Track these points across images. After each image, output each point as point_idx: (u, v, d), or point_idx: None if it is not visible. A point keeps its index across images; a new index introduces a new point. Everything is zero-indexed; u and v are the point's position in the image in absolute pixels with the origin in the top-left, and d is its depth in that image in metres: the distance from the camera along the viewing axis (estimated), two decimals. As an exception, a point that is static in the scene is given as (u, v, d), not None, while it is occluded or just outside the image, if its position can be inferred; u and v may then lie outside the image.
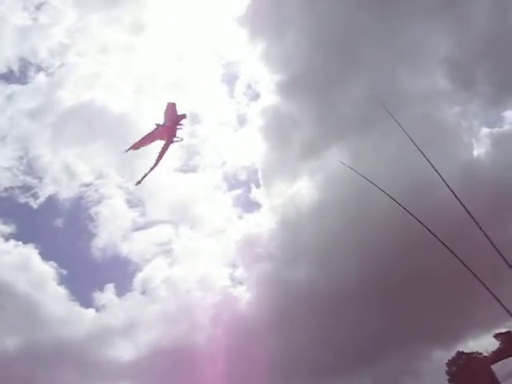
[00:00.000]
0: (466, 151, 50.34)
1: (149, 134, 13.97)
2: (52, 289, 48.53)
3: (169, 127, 13.77)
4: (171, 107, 13.86)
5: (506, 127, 54.51)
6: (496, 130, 54.75)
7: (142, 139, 13.95)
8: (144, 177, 13.92)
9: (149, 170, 13.90)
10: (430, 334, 42.95)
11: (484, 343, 43.75)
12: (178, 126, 13.85)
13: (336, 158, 49.48)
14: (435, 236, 6.43)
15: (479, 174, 46.02)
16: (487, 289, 6.10)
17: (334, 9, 50.24)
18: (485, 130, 55.88)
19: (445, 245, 6.37)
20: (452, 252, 6.19)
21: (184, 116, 13.92)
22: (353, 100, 49.30)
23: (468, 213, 5.59)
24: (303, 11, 52.31)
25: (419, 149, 6.57)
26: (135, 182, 14.09)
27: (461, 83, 52.99)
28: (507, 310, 5.97)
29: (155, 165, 13.89)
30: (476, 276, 6.10)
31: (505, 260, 5.49)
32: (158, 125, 13.70)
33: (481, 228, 5.45)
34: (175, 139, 13.91)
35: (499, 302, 6.00)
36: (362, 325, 43.97)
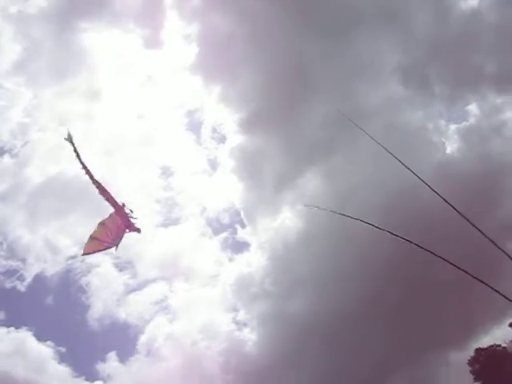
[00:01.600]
0: (439, 150, 51.02)
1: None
2: (53, 369, 47.21)
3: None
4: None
5: (472, 120, 55.50)
6: (463, 124, 55.70)
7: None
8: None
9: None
10: (441, 338, 42.54)
11: (499, 335, 43.41)
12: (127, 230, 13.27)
13: (311, 183, 49.67)
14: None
15: (455, 170, 46.57)
16: (485, 283, 5.93)
17: (283, 39, 51.25)
18: (453, 127, 56.75)
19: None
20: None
21: (138, 230, 13.38)
22: (316, 124, 49.92)
23: (454, 208, 5.47)
24: (252, 48, 53.28)
25: (393, 154, 6.48)
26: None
27: (417, 88, 54.06)
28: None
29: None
30: (469, 273, 5.94)
31: (501, 249, 5.37)
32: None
33: (469, 221, 5.34)
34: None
35: (502, 294, 5.82)
36: (372, 345, 43.45)
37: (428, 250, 6.07)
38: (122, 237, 13.04)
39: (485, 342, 43.44)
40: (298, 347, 44.56)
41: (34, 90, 58.83)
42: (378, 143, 6.72)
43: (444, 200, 5.60)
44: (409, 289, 39.72)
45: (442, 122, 60.20)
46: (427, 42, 51.99)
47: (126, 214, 13.18)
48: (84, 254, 13.12)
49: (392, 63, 52.37)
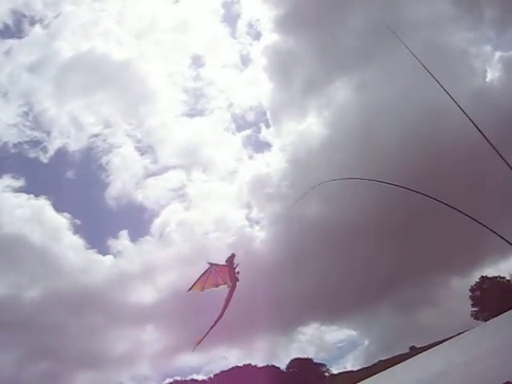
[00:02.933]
0: (478, 76, 49.22)
1: (204, 274, 12.71)
2: (68, 238, 49.61)
3: (226, 268, 12.59)
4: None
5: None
6: (510, 53, 53.06)
7: (200, 279, 12.71)
8: (206, 335, 12.70)
9: (212, 324, 12.79)
10: (447, 263, 43.50)
11: (503, 268, 44.12)
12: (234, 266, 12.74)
13: (341, 92, 48.51)
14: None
15: (493, 100, 45.08)
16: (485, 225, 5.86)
17: None
18: (497, 55, 54.24)
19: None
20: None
21: (232, 256, 12.78)
22: (354, 31, 47.99)
23: (482, 134, 5.31)
24: None
25: (428, 71, 6.18)
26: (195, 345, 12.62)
27: (466, 8, 50.96)
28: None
29: (220, 316, 12.81)
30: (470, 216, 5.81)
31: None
32: (210, 264, 12.52)
33: (495, 148, 5.19)
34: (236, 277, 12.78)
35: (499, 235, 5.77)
36: (378, 258, 44.64)
37: (445, 203, 5.97)
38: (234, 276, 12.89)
39: (488, 272, 44.25)
40: (305, 251, 45.97)
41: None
42: (416, 58, 6.41)
43: (472, 122, 5.42)
44: (424, 208, 39.91)
45: (488, 48, 57.52)
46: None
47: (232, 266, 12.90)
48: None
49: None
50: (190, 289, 13.00)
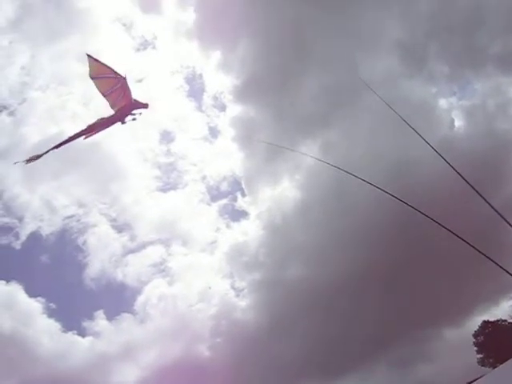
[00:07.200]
0: (443, 127, 50.37)
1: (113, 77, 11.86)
2: (43, 322, 47.56)
3: (124, 107, 11.85)
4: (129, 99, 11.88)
5: (477, 98, 54.84)
6: (470, 102, 55.15)
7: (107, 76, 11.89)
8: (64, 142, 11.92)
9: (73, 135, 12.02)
10: (436, 314, 42.68)
11: (497, 315, 43.52)
12: (134, 111, 12.00)
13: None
14: (429, 217, 5.78)
15: (461, 147, 45.89)
16: (490, 259, 5.53)
17: (284, 7, 49.76)
18: (456, 104, 56.13)
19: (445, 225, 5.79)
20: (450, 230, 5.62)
21: (146, 105, 12.13)
22: (311, 95, 49.05)
23: (459, 174, 5.05)
24: (251, 14, 51.85)
25: (401, 117, 5.99)
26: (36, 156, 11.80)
27: (418, 64, 52.70)
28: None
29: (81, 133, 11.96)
30: (475, 247, 5.54)
31: (508, 222, 4.97)
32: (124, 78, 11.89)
33: (478, 192, 4.92)
34: (126, 119, 11.98)
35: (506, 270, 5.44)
36: (365, 316, 43.64)
37: (432, 219, 5.69)
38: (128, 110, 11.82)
39: (479, 320, 43.61)
40: (289, 316, 44.92)
41: (31, 51, 57.71)
42: (388, 105, 6.25)
43: (451, 166, 5.18)
44: (407, 260, 39.73)
45: (450, 100, 59.54)
46: (426, 19, 50.57)
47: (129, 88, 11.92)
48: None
49: (392, 38, 51.06)
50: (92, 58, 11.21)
